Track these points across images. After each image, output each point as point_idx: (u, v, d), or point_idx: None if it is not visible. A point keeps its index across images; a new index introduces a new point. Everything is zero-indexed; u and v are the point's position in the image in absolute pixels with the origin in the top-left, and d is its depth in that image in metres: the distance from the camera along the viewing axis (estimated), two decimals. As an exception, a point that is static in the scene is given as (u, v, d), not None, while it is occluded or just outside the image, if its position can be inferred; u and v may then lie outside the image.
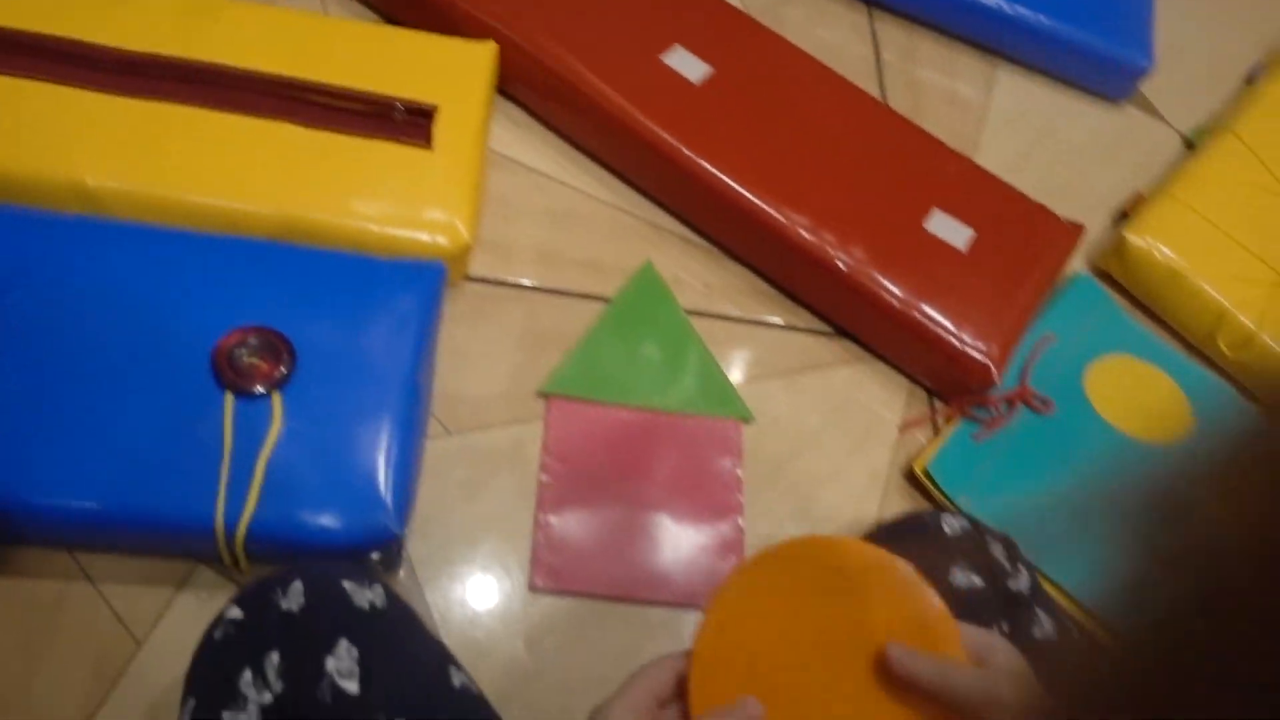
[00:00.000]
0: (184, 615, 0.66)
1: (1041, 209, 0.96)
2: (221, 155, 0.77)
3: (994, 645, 0.51)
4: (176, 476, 0.64)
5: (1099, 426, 0.90)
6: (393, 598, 0.58)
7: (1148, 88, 1.19)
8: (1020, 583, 0.65)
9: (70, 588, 0.65)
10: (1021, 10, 1.13)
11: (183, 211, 0.75)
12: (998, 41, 1.17)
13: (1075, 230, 0.95)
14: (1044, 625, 0.64)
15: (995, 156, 1.08)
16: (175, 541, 0.65)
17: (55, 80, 0.77)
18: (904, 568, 0.53)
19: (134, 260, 0.70)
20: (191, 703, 0.53)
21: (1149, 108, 1.20)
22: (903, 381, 0.91)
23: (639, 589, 0.74)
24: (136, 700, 0.62)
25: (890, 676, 0.50)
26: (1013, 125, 1.13)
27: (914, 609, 0.51)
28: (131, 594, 0.66)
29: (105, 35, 0.80)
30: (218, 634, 0.54)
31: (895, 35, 1.16)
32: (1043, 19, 1.13)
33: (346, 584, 0.56)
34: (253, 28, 0.84)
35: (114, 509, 0.62)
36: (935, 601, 0.51)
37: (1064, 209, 0.97)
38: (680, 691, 0.53)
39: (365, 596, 0.56)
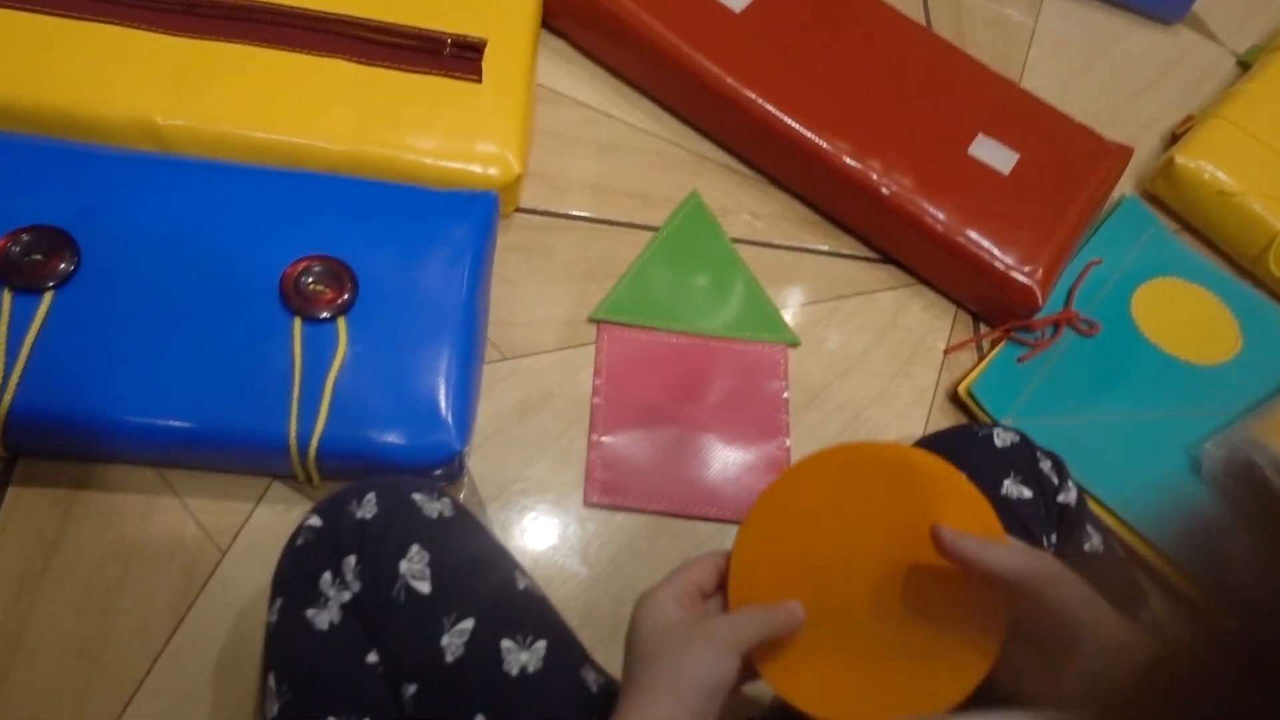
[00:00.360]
0: (262, 527, 0.70)
1: (1087, 131, 0.95)
2: (281, 92, 0.80)
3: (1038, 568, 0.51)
4: (252, 396, 0.67)
5: (1146, 349, 0.91)
6: (460, 509, 0.61)
7: (1201, 8, 1.17)
8: (1069, 497, 0.66)
9: (157, 501, 0.70)
10: (1070, -69, 1.11)
11: (246, 147, 0.78)
12: (1046, -36, 1.16)
13: (1123, 152, 0.95)
14: (1092, 539, 0.65)
15: (1042, 81, 1.08)
16: (253, 457, 0.69)
17: (124, 23, 0.80)
18: (953, 473, 0.54)
19: (203, 195, 0.73)
20: (279, 601, 0.57)
21: (1202, 29, 1.18)
22: (948, 306, 0.92)
23: (688, 505, 0.77)
24: (222, 603, 0.67)
25: (932, 572, 0.52)
26: (1061, 49, 1.12)
27: (961, 511, 0.53)
28: (214, 508, 0.70)
29: (166, -22, 0.83)
30: (300, 540, 0.58)
31: (941, -40, 1.15)
32: (1093, -61, 1.12)
33: (416, 496, 0.60)
34: (306, -33, 0.87)
35: (197, 426, 0.66)
36: (981, 502, 0.53)
37: (1113, 132, 0.97)
38: (722, 585, 0.56)
39: (434, 507, 0.60)
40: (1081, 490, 0.68)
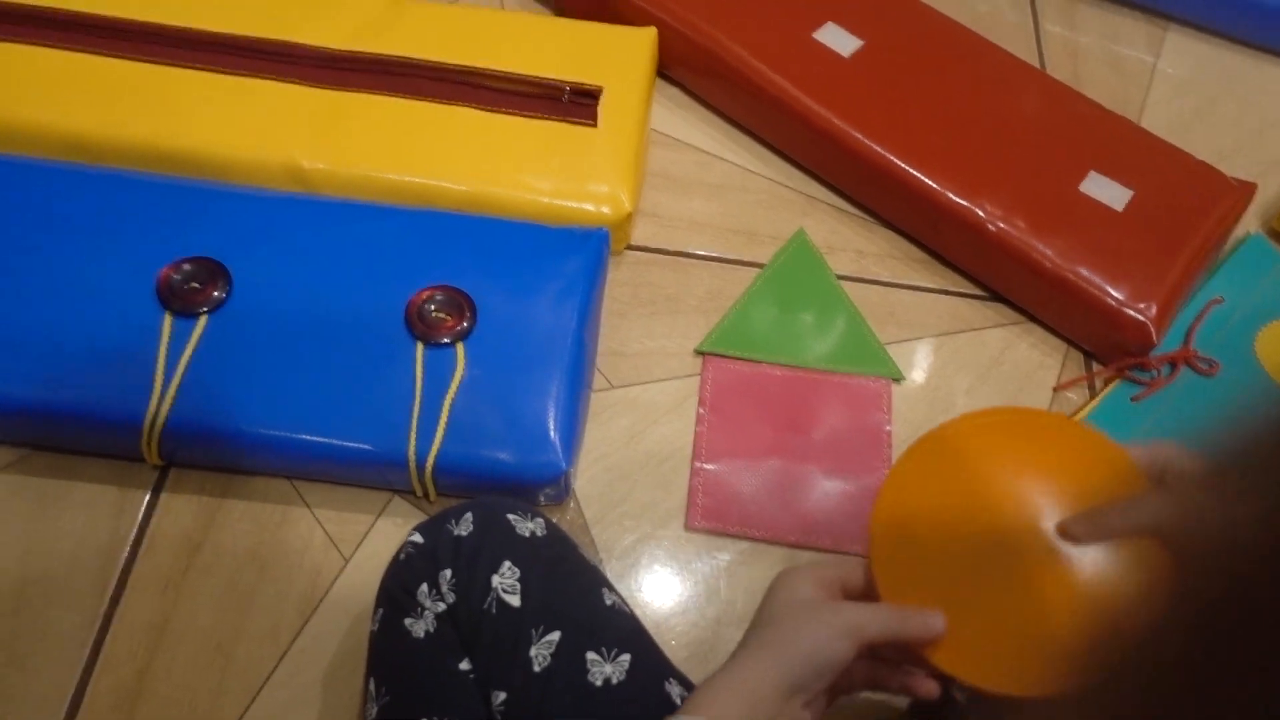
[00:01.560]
0: (383, 538, 0.75)
1: (1207, 168, 0.94)
2: (412, 138, 0.87)
3: (1166, 458, 0.52)
4: (377, 414, 0.72)
5: (1271, 390, 0.88)
6: (552, 528, 0.64)
7: (1335, 43, 1.13)
8: None
9: (291, 511, 0.75)
10: (1194, -30, 1.10)
11: (379, 187, 0.85)
12: (1166, 4, 1.14)
13: (1244, 189, 0.93)
14: None
15: (1163, 120, 1.06)
16: (376, 471, 0.74)
17: (272, 77, 0.88)
18: (1088, 429, 0.52)
19: (339, 230, 0.80)
20: (381, 611, 0.61)
21: (1337, 65, 1.14)
22: (1059, 344, 0.92)
23: (788, 533, 0.79)
24: (343, 608, 0.72)
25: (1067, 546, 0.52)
26: (1183, 88, 1.10)
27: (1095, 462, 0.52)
28: (341, 519, 0.75)
29: (312, 36, 0.91)
30: (402, 555, 0.62)
31: (1055, 2, 1.16)
32: (1218, -23, 1.10)
33: (511, 516, 0.63)
34: (436, 23, 0.94)
35: (327, 441, 0.72)
36: (1116, 450, 0.52)
37: (1238, 170, 0.95)
38: (867, 591, 0.55)
39: (527, 527, 0.63)
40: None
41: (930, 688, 0.54)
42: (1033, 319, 0.92)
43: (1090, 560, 0.51)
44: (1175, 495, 0.50)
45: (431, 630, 0.59)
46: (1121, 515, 0.51)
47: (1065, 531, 0.52)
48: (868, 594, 0.55)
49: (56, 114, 0.85)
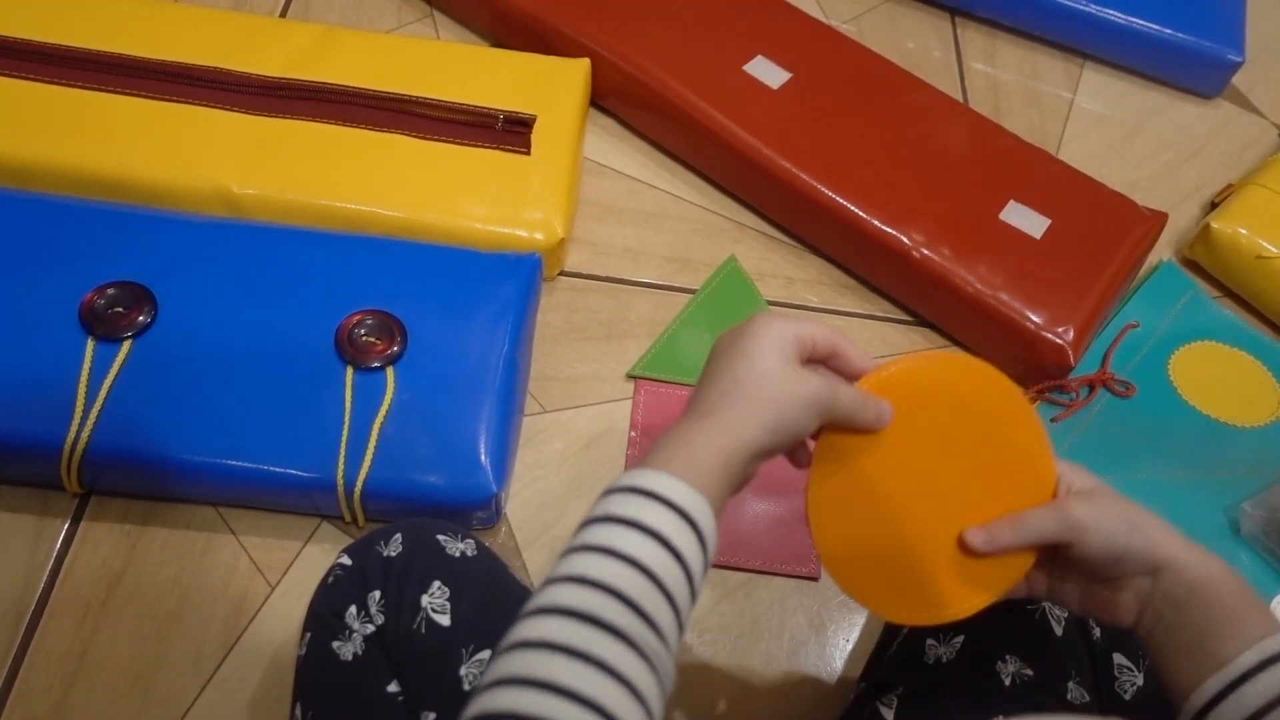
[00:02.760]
0: (310, 565, 0.74)
1: (1121, 198, 0.97)
2: (345, 164, 0.87)
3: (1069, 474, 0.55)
4: (305, 439, 0.72)
5: (1184, 411, 0.91)
6: (483, 549, 0.64)
7: (1243, 82, 1.19)
8: None
9: (215, 538, 0.74)
10: (1108, 12, 1.14)
11: (311, 213, 0.85)
12: (1083, 43, 1.19)
13: (1157, 218, 0.97)
14: None
15: (1080, 153, 1.10)
16: (304, 496, 0.73)
17: (204, 103, 0.88)
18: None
19: (269, 255, 0.79)
20: (308, 635, 0.60)
21: (1244, 103, 1.19)
22: (982, 368, 0.94)
23: (719, 555, 0.79)
24: (270, 635, 0.71)
25: (982, 484, 0.55)
26: (1098, 123, 1.15)
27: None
28: (267, 545, 0.74)
29: (245, 64, 0.91)
30: (330, 578, 0.61)
31: (977, 40, 1.20)
32: (1131, 19, 1.14)
33: (441, 536, 0.63)
34: (371, 52, 0.94)
35: (253, 466, 0.71)
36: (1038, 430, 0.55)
37: (1153, 202, 0.99)
38: (826, 360, 0.54)
39: (457, 547, 0.63)
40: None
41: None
42: (957, 343, 0.95)
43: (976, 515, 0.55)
44: (1060, 512, 0.53)
45: (360, 653, 0.58)
46: (1016, 535, 0.53)
47: (968, 541, 0.54)
48: (832, 361, 0.55)
49: (-19, 138, 0.84)
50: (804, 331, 0.53)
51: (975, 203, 0.95)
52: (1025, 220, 0.94)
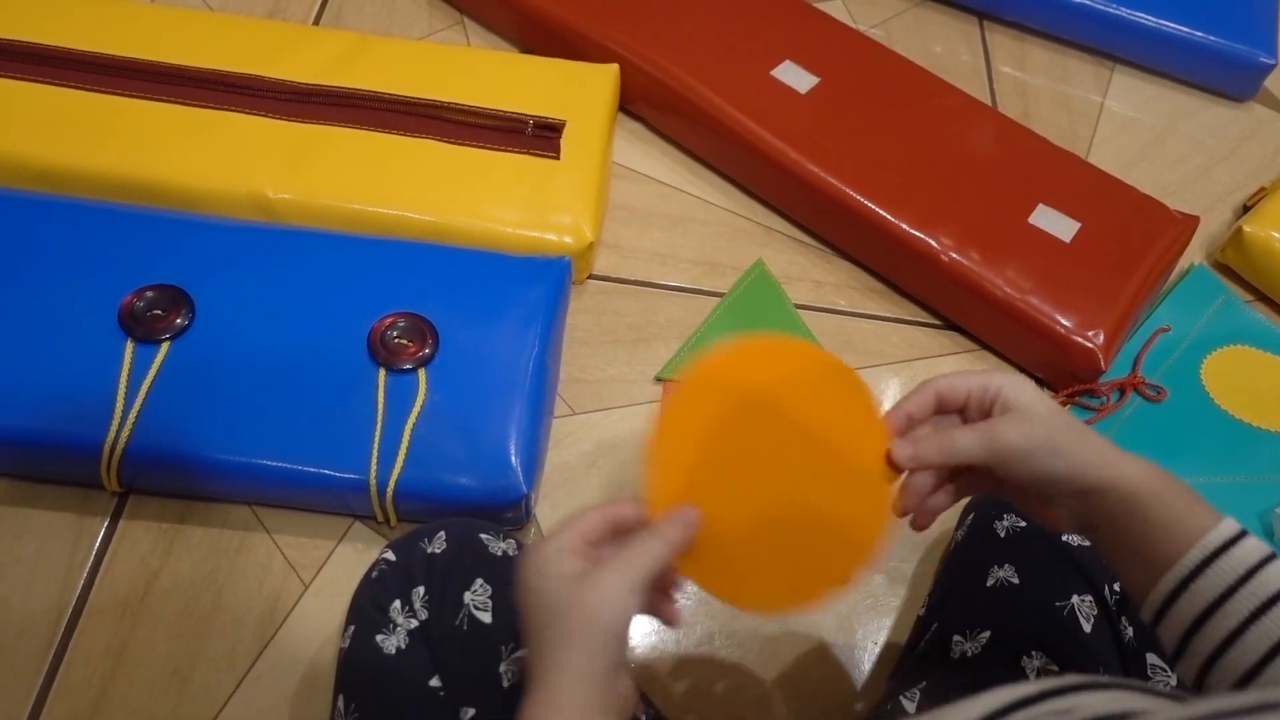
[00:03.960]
0: (343, 564, 0.75)
1: (1151, 201, 0.97)
2: (378, 169, 0.88)
3: (994, 385, 0.53)
4: (339, 440, 0.73)
5: (1216, 415, 0.90)
6: (524, 548, 0.65)
7: (1273, 84, 1.18)
8: None
9: (250, 537, 0.75)
10: (1138, 14, 1.14)
11: (344, 217, 0.86)
12: (1113, 46, 1.19)
13: (1188, 222, 0.96)
14: None
15: (1110, 156, 1.10)
16: (337, 496, 0.74)
17: (239, 110, 0.90)
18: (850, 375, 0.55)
19: (304, 259, 0.80)
20: (352, 629, 0.61)
21: (1275, 104, 1.18)
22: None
23: (748, 556, 0.79)
24: (304, 632, 0.72)
25: (825, 462, 0.54)
26: (1129, 126, 1.14)
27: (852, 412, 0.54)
28: (300, 544, 0.75)
29: (279, 70, 0.92)
30: (374, 573, 0.62)
31: (1006, 43, 1.20)
32: (1161, 22, 1.14)
33: (483, 535, 0.64)
34: (403, 59, 0.96)
35: (288, 466, 0.72)
36: (874, 405, 0.54)
37: (1184, 205, 0.98)
38: (614, 533, 0.52)
39: (499, 546, 0.64)
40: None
41: (672, 614, 0.54)
42: (986, 347, 0.94)
43: (825, 498, 0.54)
44: (987, 431, 0.52)
45: (403, 646, 0.59)
46: (942, 453, 0.52)
47: (894, 455, 0.53)
48: (612, 532, 0.52)
49: (25, 144, 0.86)
50: (569, 540, 0.49)
51: (1004, 206, 0.94)
52: (1055, 223, 0.93)
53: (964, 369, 0.93)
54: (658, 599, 0.53)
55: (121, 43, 0.92)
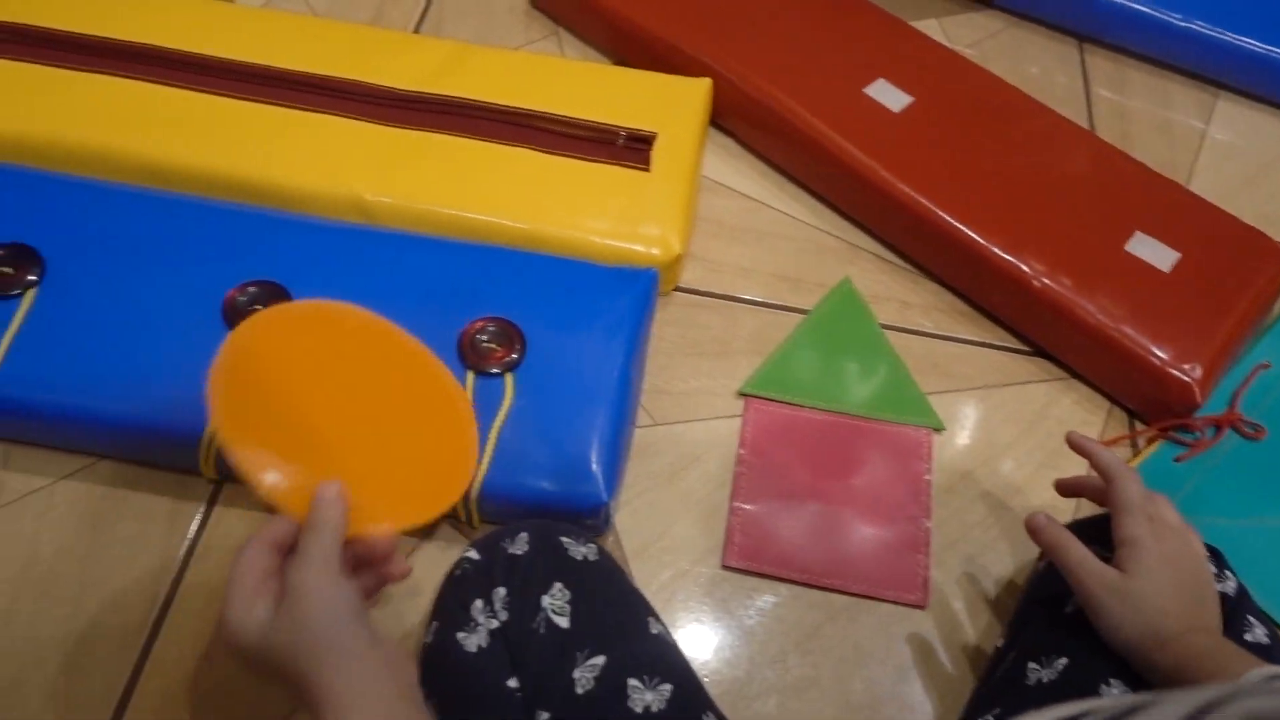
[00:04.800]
0: (427, 561, 0.76)
1: (1255, 232, 0.94)
2: (472, 175, 0.90)
3: (1116, 499, 0.67)
4: (425, 439, 0.74)
5: (1319, 457, 0.87)
6: (604, 554, 0.66)
7: (1389, 115, 1.14)
8: (1227, 587, 0.66)
9: (337, 530, 0.77)
10: (1245, 40, 1.11)
11: (438, 222, 0.88)
12: (1217, 71, 1.16)
13: (1294, 254, 0.93)
14: (1255, 631, 0.64)
15: (1212, 185, 1.07)
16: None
17: (342, 114, 0.92)
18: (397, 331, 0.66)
19: (398, 260, 0.83)
20: (435, 624, 0.63)
21: (1391, 136, 1.14)
22: (1102, 401, 0.92)
23: (823, 576, 0.79)
24: (388, 626, 0.73)
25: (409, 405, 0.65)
26: (1233, 154, 1.11)
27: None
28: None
29: (381, 77, 0.95)
30: (458, 571, 0.64)
31: (1105, 66, 1.17)
32: (1270, 48, 1.11)
33: (564, 539, 0.65)
34: (500, 69, 0.97)
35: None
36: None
37: (1288, 237, 0.95)
38: (280, 555, 0.56)
39: (580, 550, 0.65)
40: (1240, 582, 0.67)
41: (403, 569, 0.62)
42: (1076, 376, 0.93)
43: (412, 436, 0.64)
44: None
45: (484, 645, 0.60)
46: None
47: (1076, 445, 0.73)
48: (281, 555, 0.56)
49: (136, 142, 0.89)
50: (247, 580, 0.53)
51: (1099, 232, 0.93)
52: (1152, 252, 0.91)
53: (1055, 398, 0.91)
54: (367, 576, 0.60)
55: (230, 46, 0.95)
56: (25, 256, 0.79)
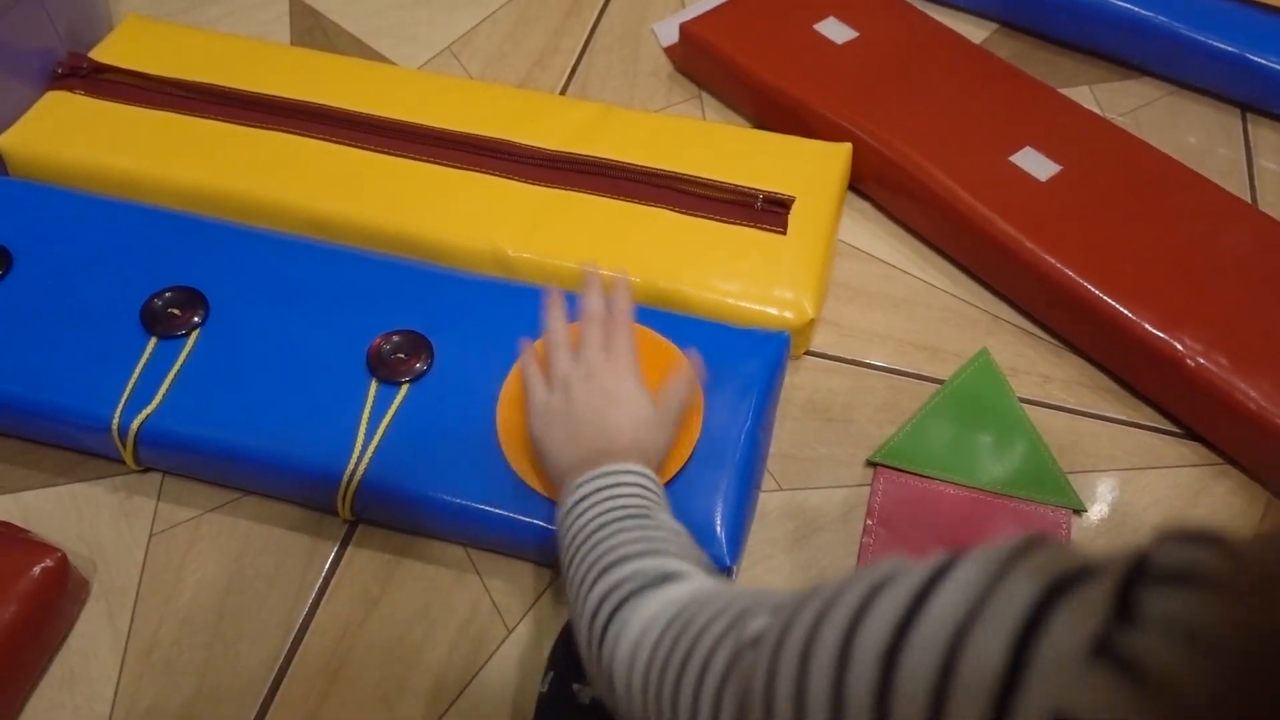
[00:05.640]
0: (546, 613, 0.77)
1: None
2: (612, 234, 0.92)
3: None
4: (548, 500, 0.75)
5: None
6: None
7: None
8: None
9: (463, 578, 0.79)
10: None
11: (577, 278, 0.89)
12: (1398, 144, 1.09)
13: None
14: None
15: (1389, 265, 1.00)
16: (543, 548, 0.76)
17: (490, 172, 0.96)
18: None
19: (535, 314, 0.84)
20: (551, 674, 0.63)
21: None
22: (1260, 492, 0.86)
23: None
24: (504, 676, 0.74)
25: None
26: None
27: None
28: (508, 590, 0.78)
29: (529, 137, 0.98)
30: None
31: (1271, 138, 1.12)
32: None
33: None
34: (642, 130, 1.00)
35: (501, 513, 0.75)
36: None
37: None
38: None
39: None
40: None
41: None
42: (1233, 462, 0.87)
43: None
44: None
45: (598, 698, 0.60)
46: None
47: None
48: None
49: (296, 194, 0.95)
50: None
51: (1261, 312, 0.88)
52: (1322, 335, 0.86)
53: (1207, 485, 0.86)
54: None
55: (387, 105, 1.01)
56: (193, 299, 0.85)
